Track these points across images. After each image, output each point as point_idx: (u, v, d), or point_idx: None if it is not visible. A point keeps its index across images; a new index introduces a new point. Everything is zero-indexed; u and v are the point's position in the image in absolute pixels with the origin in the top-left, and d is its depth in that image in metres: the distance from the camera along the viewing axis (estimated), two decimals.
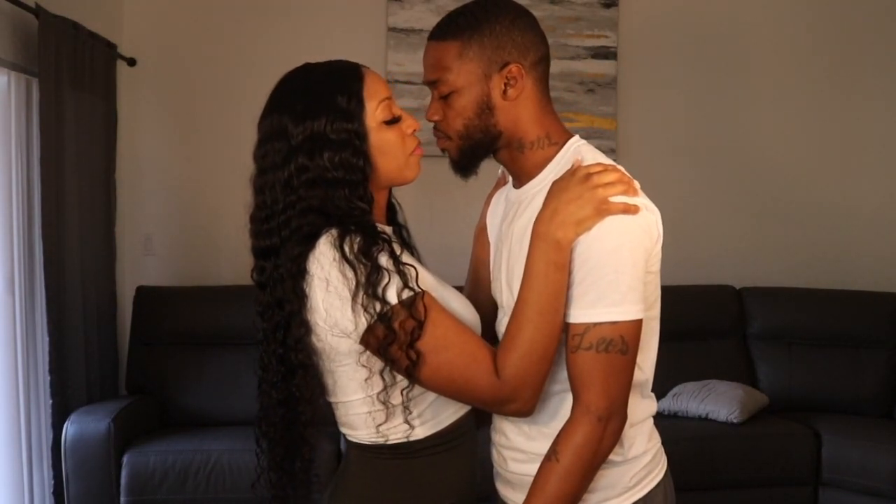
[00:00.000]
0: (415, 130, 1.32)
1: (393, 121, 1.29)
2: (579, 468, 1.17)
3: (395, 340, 1.18)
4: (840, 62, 4.16)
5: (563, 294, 1.19)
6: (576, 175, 1.20)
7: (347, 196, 1.23)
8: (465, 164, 1.32)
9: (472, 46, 1.24)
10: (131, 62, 3.71)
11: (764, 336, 3.85)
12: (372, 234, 1.21)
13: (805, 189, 4.15)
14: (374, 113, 1.26)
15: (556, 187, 1.21)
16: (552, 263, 1.18)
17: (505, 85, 1.25)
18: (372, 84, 1.28)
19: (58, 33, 2.98)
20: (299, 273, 1.20)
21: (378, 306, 1.17)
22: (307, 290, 1.20)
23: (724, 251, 4.12)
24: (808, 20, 4.14)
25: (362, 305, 1.17)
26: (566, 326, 1.19)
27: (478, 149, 1.30)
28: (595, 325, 1.16)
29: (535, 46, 1.27)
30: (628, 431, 1.26)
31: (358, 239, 1.19)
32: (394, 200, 1.42)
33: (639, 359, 1.26)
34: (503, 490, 1.40)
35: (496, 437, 1.39)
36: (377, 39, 3.88)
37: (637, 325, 1.18)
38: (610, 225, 1.17)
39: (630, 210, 1.18)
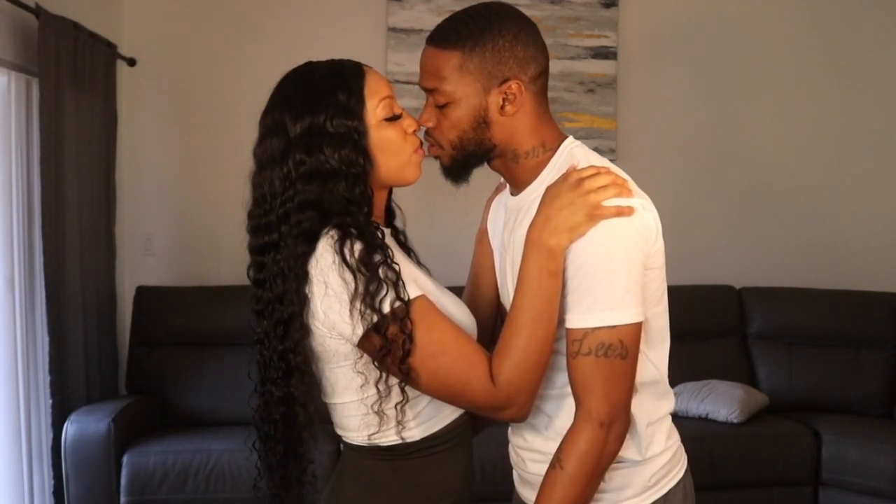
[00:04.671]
0: (416, 130, 1.31)
1: (394, 118, 1.28)
2: (584, 474, 1.17)
3: (391, 346, 1.17)
4: (840, 62, 4.16)
5: (556, 301, 1.18)
6: (568, 180, 1.20)
7: (345, 191, 1.22)
8: (456, 172, 1.32)
9: (472, 59, 1.22)
10: (131, 62, 3.71)
11: (764, 336, 3.85)
12: (371, 238, 1.20)
13: (805, 189, 4.15)
14: (374, 110, 1.26)
15: (549, 193, 1.21)
16: (545, 270, 1.18)
17: (503, 100, 1.23)
18: (373, 82, 1.27)
19: (58, 33, 2.98)
20: (302, 274, 1.20)
21: (375, 312, 1.17)
22: (307, 292, 1.20)
23: (724, 251, 4.12)
24: (807, 20, 4.14)
25: (360, 311, 1.17)
26: (566, 332, 1.19)
27: (470, 159, 1.29)
28: (593, 330, 1.16)
29: (536, 60, 1.25)
30: (646, 430, 1.26)
31: (358, 243, 1.19)
32: (394, 204, 1.41)
33: (651, 355, 1.27)
34: (523, 490, 1.40)
35: (514, 440, 1.39)
36: (377, 39, 3.87)
37: (636, 328, 1.17)
38: (603, 229, 1.16)
39: (624, 213, 1.17)
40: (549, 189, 1.22)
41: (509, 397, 1.19)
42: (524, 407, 1.21)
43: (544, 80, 1.27)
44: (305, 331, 1.22)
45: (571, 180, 1.19)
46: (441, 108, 1.26)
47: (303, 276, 1.20)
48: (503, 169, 1.33)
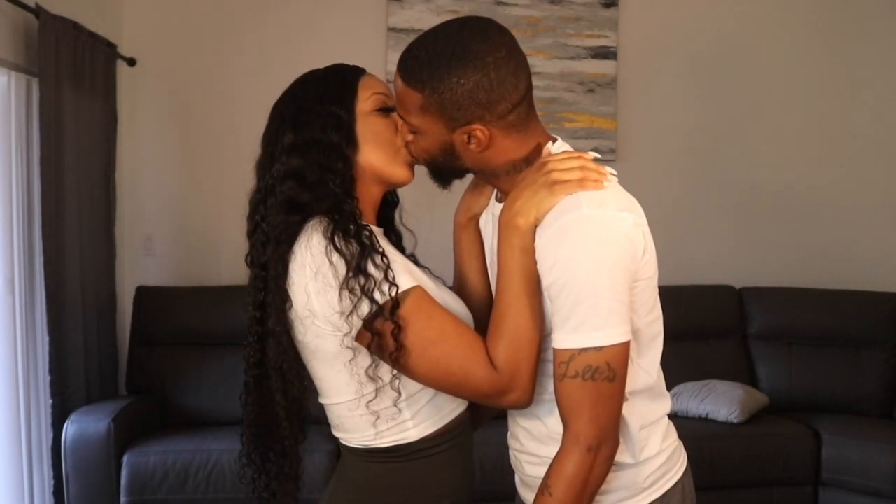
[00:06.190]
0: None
1: (385, 110, 1.31)
2: (572, 500, 1.16)
3: (387, 337, 1.17)
4: (840, 62, 4.16)
5: (535, 277, 1.19)
6: (535, 165, 1.22)
7: (323, 160, 1.25)
8: (437, 180, 1.34)
9: (432, 103, 1.19)
10: (131, 62, 3.71)
11: (764, 336, 3.85)
12: (361, 229, 1.22)
13: (805, 189, 4.15)
14: (365, 101, 1.30)
15: (518, 179, 1.24)
16: (516, 248, 1.19)
17: (469, 138, 1.21)
18: (370, 80, 1.33)
19: (58, 33, 2.98)
20: (284, 240, 1.22)
21: (368, 302, 1.17)
22: (291, 270, 1.21)
23: (723, 251, 4.12)
24: (807, 21, 4.14)
25: (351, 301, 1.17)
26: (553, 353, 1.18)
27: (445, 175, 1.32)
28: (580, 351, 1.14)
29: (506, 98, 1.18)
30: (639, 434, 1.26)
31: (350, 232, 1.20)
32: (401, 226, 1.43)
33: (642, 363, 1.26)
34: (522, 491, 1.41)
35: (512, 443, 1.40)
36: (377, 39, 3.88)
37: (623, 348, 1.16)
38: (586, 246, 1.14)
39: (587, 186, 1.17)
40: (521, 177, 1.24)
41: (511, 379, 1.19)
42: (526, 390, 1.21)
43: (522, 107, 1.22)
44: (285, 296, 1.23)
45: (538, 164, 1.22)
46: (413, 132, 1.27)
47: (285, 242, 1.22)
48: (486, 181, 1.35)
